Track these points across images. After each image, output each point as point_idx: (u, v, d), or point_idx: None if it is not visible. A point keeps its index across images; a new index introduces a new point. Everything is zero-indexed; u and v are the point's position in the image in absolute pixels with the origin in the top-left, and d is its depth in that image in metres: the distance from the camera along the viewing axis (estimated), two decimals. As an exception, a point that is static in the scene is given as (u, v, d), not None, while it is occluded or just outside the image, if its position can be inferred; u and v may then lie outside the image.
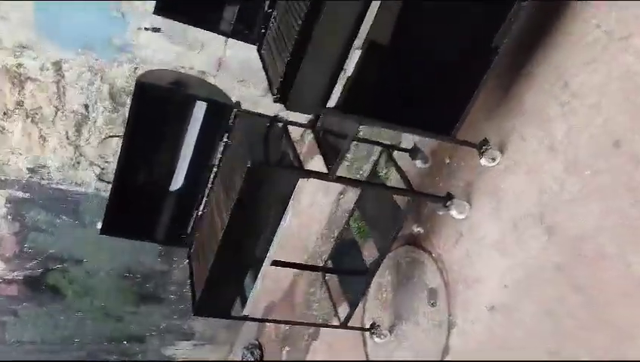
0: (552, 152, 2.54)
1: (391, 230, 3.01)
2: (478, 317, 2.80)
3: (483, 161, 2.86)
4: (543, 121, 2.61)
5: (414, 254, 3.38)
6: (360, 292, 3.25)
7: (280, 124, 2.96)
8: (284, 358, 4.87)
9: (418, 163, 3.37)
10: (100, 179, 3.82)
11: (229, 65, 3.81)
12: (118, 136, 3.67)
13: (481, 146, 2.80)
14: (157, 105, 2.91)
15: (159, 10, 2.60)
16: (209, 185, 3.16)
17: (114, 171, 3.14)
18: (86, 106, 3.72)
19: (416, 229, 3.40)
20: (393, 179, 3.49)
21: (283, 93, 2.34)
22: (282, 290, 4.89)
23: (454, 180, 3.15)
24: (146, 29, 3.51)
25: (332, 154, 2.76)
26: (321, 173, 2.69)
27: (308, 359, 4.49)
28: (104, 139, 3.68)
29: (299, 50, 2.26)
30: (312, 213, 4.55)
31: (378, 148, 3.90)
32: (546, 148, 2.57)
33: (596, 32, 2.42)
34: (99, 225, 4.32)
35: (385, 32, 2.32)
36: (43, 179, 3.99)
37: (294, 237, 4.60)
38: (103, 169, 4.02)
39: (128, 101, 3.75)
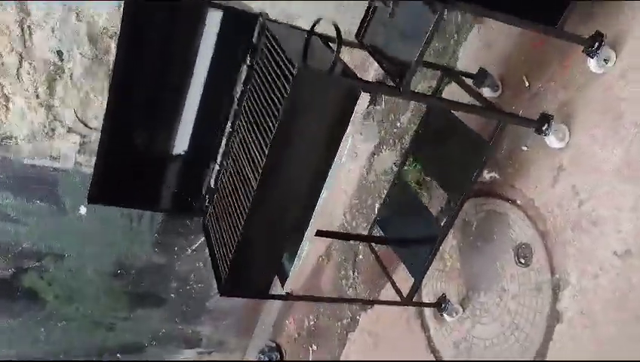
0: None
1: (472, 166, 2.31)
2: (604, 267, 2.12)
3: (592, 65, 2.20)
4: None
5: (489, 206, 2.70)
6: (426, 257, 2.54)
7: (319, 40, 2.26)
8: (310, 358, 4.13)
9: (486, 91, 2.70)
10: (82, 123, 3.01)
11: None
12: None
13: (594, 42, 2.13)
14: (155, 19, 2.19)
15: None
16: (229, 128, 2.43)
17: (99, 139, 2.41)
18: (59, 53, 2.96)
19: (489, 175, 2.72)
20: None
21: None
22: (304, 276, 4.15)
23: (542, 104, 2.48)
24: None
25: (396, 66, 2.06)
26: (390, 85, 1.99)
27: (342, 360, 3.74)
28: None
29: None
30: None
31: (425, 83, 3.23)
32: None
33: None
34: (82, 210, 3.58)
35: None
36: (9, 152, 3.20)
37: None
38: (84, 137, 3.25)
39: (113, 46, 3.01)
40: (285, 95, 1.88)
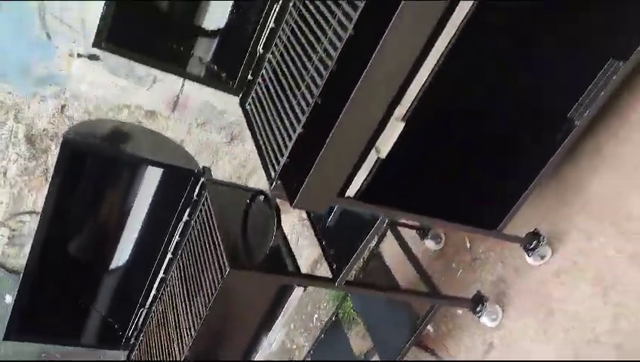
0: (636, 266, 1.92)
1: (402, 337, 2.30)
2: None
3: (529, 259, 2.21)
4: (617, 219, 1.99)
5: (421, 357, 2.69)
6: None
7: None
8: None
9: (429, 243, 2.69)
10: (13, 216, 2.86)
11: (187, 104, 3.01)
12: (33, 213, 2.78)
13: (531, 241, 2.15)
14: (92, 173, 2.09)
15: (103, 42, 1.80)
16: (162, 274, 2.34)
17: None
18: (-7, 152, 2.81)
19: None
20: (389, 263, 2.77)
21: (287, 183, 1.59)
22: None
23: (480, 272, 2.49)
24: (79, 55, 2.66)
25: (336, 251, 2.02)
26: (326, 278, 1.95)
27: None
28: (12, 216, 2.78)
29: (314, 120, 1.53)
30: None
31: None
32: (628, 256, 1.94)
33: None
34: (7, 298, 3.41)
35: (437, 100, 1.61)
36: None
37: None
38: (14, 230, 3.09)
39: (53, 147, 2.88)
40: (213, 291, 1.81)
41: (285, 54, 1.75)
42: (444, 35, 1.42)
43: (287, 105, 1.66)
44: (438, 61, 1.46)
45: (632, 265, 1.93)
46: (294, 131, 1.59)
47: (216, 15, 2.11)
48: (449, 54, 1.44)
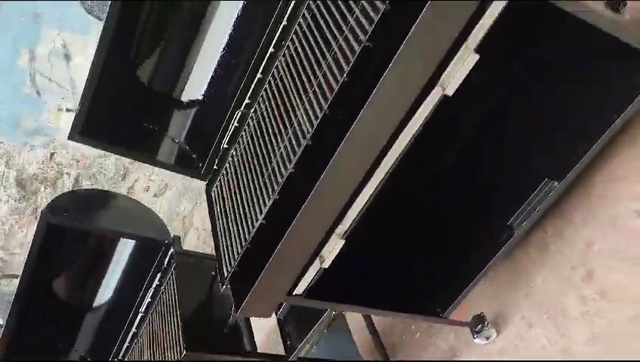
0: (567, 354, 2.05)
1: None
2: None
3: (477, 340, 2.35)
4: (555, 314, 2.12)
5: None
6: None
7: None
8: None
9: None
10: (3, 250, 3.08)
11: (171, 152, 3.14)
12: (14, 276, 2.95)
13: (476, 325, 2.28)
14: (69, 245, 2.25)
15: (77, 135, 1.93)
16: (134, 329, 2.51)
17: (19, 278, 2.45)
18: (-16, 195, 2.98)
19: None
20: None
21: (234, 289, 1.74)
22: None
23: (435, 338, 2.63)
24: (68, 110, 2.80)
25: (292, 326, 2.18)
26: (280, 356, 2.11)
27: None
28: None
29: (260, 236, 1.67)
30: None
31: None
32: (560, 350, 2.08)
33: None
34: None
35: (382, 211, 1.74)
36: None
37: None
38: (5, 261, 3.27)
39: (42, 189, 3.04)
40: (174, 365, 1.98)
41: (244, 159, 1.88)
42: (385, 161, 1.53)
43: (240, 211, 1.79)
44: (381, 180, 1.57)
45: (563, 359, 2.07)
46: (245, 241, 1.72)
47: (195, 88, 2.23)
48: (391, 175, 1.53)
